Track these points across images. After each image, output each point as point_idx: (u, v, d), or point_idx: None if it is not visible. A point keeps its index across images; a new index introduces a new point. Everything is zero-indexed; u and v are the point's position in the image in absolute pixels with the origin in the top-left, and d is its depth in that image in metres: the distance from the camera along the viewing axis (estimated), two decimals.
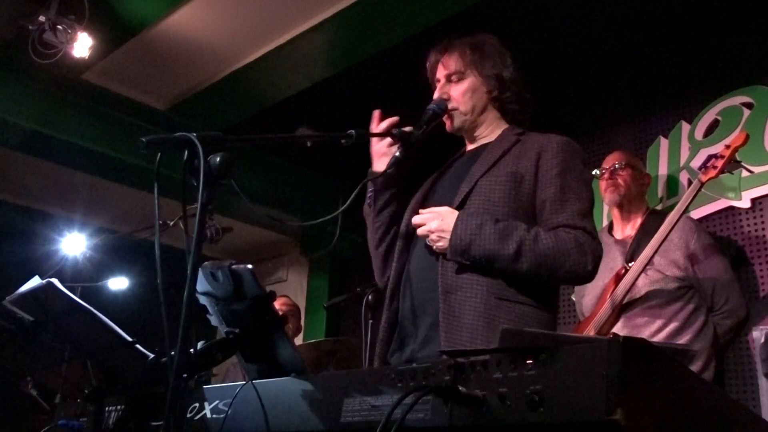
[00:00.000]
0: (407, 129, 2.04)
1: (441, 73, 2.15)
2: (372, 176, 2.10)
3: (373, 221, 2.18)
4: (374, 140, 2.12)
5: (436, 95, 2.13)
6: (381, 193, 2.14)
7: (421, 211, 1.97)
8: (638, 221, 3.31)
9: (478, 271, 1.88)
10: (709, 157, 3.12)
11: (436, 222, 1.91)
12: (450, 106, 2.11)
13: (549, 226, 1.91)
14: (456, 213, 1.91)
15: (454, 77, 2.12)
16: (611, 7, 3.99)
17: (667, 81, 4.13)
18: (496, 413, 1.03)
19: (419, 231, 1.95)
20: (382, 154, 2.11)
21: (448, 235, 1.88)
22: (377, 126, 2.08)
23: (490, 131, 2.15)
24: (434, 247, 1.93)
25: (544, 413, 0.98)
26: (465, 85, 2.11)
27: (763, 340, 2.50)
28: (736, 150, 3.04)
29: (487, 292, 1.86)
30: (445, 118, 2.12)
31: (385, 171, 2.04)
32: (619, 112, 4.31)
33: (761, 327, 2.50)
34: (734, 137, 3.09)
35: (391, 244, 2.15)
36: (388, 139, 2.08)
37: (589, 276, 1.89)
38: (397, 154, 2.02)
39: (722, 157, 3.04)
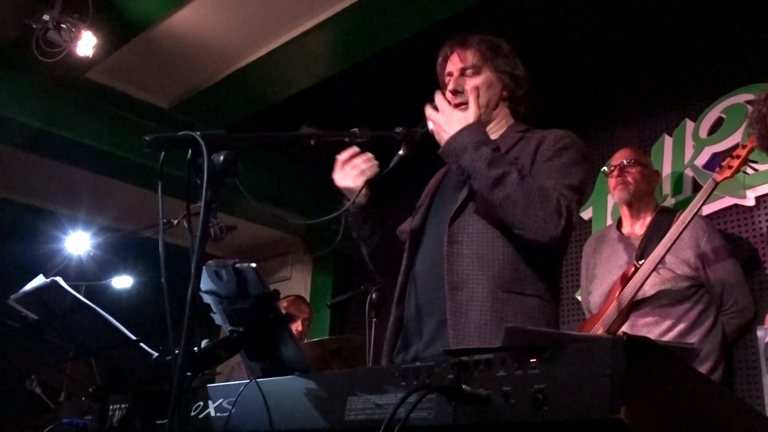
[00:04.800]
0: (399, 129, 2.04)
1: (455, 66, 2.13)
2: (345, 206, 2.07)
3: (363, 248, 2.23)
4: (337, 176, 2.13)
5: (450, 87, 2.11)
6: (359, 228, 2.17)
7: (438, 101, 1.98)
8: (648, 219, 3.30)
9: (483, 266, 1.88)
10: (717, 156, 3.09)
11: (442, 118, 1.94)
12: (464, 99, 2.08)
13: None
14: (466, 122, 1.92)
15: (469, 71, 2.11)
16: (615, 5, 3.99)
17: (671, 79, 4.12)
18: (500, 412, 1.03)
19: (428, 111, 1.97)
20: (354, 177, 2.10)
21: (452, 130, 1.91)
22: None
23: (498, 129, 2.14)
24: (435, 131, 1.96)
25: (548, 412, 0.97)
26: (481, 79, 2.11)
27: (766, 339, 2.49)
28: (752, 150, 3.03)
29: (494, 287, 1.86)
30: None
31: (389, 169, 2.04)
32: (623, 110, 4.30)
33: (767, 326, 2.49)
34: (751, 137, 3.07)
35: (387, 261, 2.20)
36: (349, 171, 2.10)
37: (552, 241, 1.82)
38: (401, 152, 2.02)
39: (738, 157, 3.02)
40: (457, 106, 2.09)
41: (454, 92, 2.10)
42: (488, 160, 1.84)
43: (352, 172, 2.08)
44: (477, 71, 2.11)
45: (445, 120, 1.94)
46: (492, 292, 1.85)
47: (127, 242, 5.42)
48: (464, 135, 1.89)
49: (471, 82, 2.10)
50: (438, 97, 1.99)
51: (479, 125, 1.94)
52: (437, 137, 1.96)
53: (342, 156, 2.10)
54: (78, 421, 2.20)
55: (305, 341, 4.33)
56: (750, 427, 1.18)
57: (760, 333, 2.43)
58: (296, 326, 4.37)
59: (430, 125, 1.98)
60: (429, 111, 1.98)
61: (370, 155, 2.10)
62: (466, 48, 2.14)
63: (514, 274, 1.88)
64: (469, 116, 1.94)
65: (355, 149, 2.10)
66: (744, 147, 3.06)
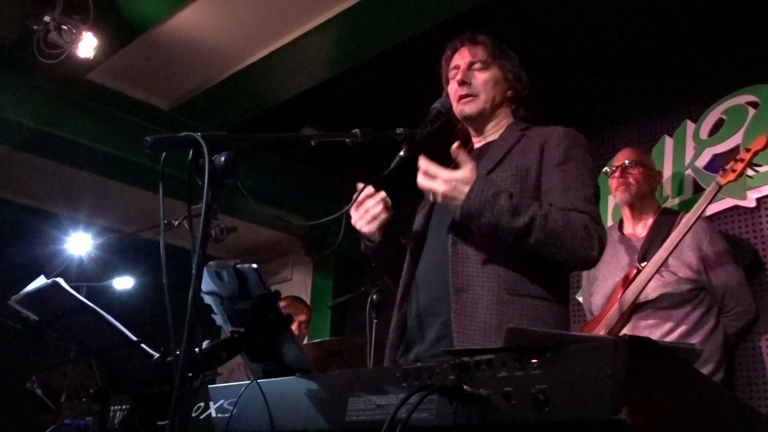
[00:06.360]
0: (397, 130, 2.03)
1: (463, 60, 2.15)
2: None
3: (386, 277, 2.24)
4: (353, 217, 2.08)
5: (458, 77, 2.13)
6: (379, 264, 2.17)
7: (429, 169, 1.88)
8: (650, 220, 3.29)
9: (488, 268, 1.88)
10: (717, 157, 3.08)
11: (442, 186, 1.85)
12: (470, 91, 2.11)
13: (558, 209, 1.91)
14: (471, 179, 1.83)
15: (478, 66, 2.13)
16: (616, 6, 3.99)
17: (672, 80, 4.12)
18: (502, 412, 1.03)
19: (425, 183, 1.88)
20: (368, 222, 2.07)
21: (462, 194, 1.82)
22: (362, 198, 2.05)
23: (499, 128, 2.15)
24: (444, 201, 1.87)
25: (550, 412, 0.97)
26: (489, 74, 2.13)
27: None
28: (756, 154, 3.02)
29: (499, 288, 1.86)
30: (458, 104, 2.12)
31: (390, 170, 2.03)
32: (624, 111, 4.30)
33: None
34: (755, 141, 3.07)
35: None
36: (370, 207, 2.05)
37: (592, 261, 1.87)
38: (402, 153, 2.02)
39: (742, 160, 3.02)
40: (463, 97, 2.11)
41: (462, 83, 2.12)
42: (510, 212, 1.80)
43: (366, 216, 2.06)
44: (486, 66, 2.13)
45: (448, 187, 1.84)
46: (497, 294, 1.85)
47: (128, 243, 5.42)
48: (476, 194, 1.82)
49: (480, 76, 2.12)
50: (423, 161, 1.90)
51: (483, 177, 1.87)
52: (445, 202, 1.88)
53: (359, 197, 2.05)
54: (79, 422, 2.21)
55: (305, 343, 4.32)
56: (751, 428, 1.18)
57: None
58: (293, 328, 4.36)
59: (439, 195, 1.88)
60: (422, 180, 1.89)
61: (382, 196, 2.05)
62: (477, 44, 2.16)
63: (519, 276, 1.88)
64: (467, 173, 1.84)
65: (369, 190, 2.05)
66: (748, 150, 3.05)
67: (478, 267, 1.89)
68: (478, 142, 2.20)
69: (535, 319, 1.85)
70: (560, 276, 1.98)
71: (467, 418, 1.07)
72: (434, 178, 1.86)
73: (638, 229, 3.32)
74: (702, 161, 3.81)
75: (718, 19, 3.92)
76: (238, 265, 1.49)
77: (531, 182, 1.96)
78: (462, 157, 1.88)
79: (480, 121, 2.16)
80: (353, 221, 2.10)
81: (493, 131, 2.16)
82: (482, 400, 1.05)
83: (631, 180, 3.32)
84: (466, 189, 1.83)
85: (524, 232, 1.81)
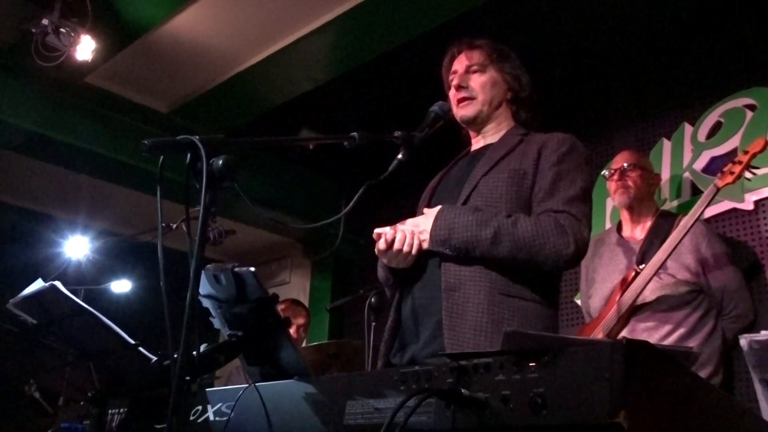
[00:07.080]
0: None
1: (461, 65, 2.17)
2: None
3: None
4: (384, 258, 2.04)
5: (455, 82, 2.14)
6: (397, 279, 2.14)
7: (392, 228, 1.96)
8: (648, 223, 3.29)
9: (481, 268, 1.89)
10: (715, 160, 3.07)
11: (410, 230, 1.94)
12: (468, 94, 2.13)
13: (536, 213, 1.93)
14: (434, 213, 1.94)
15: (475, 69, 2.15)
16: (614, 9, 4.00)
17: (670, 83, 4.13)
18: (499, 416, 1.03)
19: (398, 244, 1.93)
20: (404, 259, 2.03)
21: (428, 225, 1.92)
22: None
23: (498, 130, 2.16)
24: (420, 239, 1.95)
25: (547, 416, 0.97)
26: (486, 76, 2.15)
27: (747, 347, 2.52)
28: (754, 156, 3.03)
29: (491, 289, 1.87)
30: (457, 108, 2.13)
31: (388, 173, 2.04)
32: (622, 114, 4.31)
33: (746, 335, 2.53)
34: (753, 143, 3.07)
35: None
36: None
37: (571, 259, 1.87)
38: (400, 156, 2.02)
39: (740, 163, 3.03)
40: (461, 100, 2.12)
41: (459, 87, 2.13)
42: (476, 224, 1.87)
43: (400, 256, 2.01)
44: (482, 69, 2.15)
45: (414, 225, 1.95)
46: (488, 294, 1.86)
47: (126, 246, 5.42)
48: (442, 218, 1.92)
49: (477, 79, 2.14)
50: (380, 230, 1.96)
51: (447, 206, 1.96)
52: (423, 242, 1.93)
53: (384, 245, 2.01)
54: (77, 426, 2.20)
55: (303, 345, 4.32)
56: (749, 430, 1.18)
57: (742, 342, 2.46)
58: (291, 331, 4.36)
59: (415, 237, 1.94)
60: (398, 240, 1.93)
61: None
62: (474, 48, 2.18)
63: (511, 277, 1.89)
64: (429, 210, 1.97)
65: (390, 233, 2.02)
66: (746, 153, 3.05)
67: (471, 267, 1.90)
68: (477, 144, 2.21)
69: (525, 320, 1.86)
70: (551, 279, 1.99)
71: (465, 422, 1.07)
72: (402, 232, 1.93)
73: (637, 232, 3.32)
74: (700, 164, 3.82)
75: (716, 22, 3.93)
76: (236, 269, 1.49)
77: (526, 186, 1.97)
78: (424, 209, 2.01)
79: (479, 123, 2.17)
80: (386, 262, 2.05)
81: (493, 133, 2.17)
82: (480, 404, 1.05)
83: (629, 183, 3.33)
84: (432, 219, 1.93)
85: (493, 240, 1.85)
